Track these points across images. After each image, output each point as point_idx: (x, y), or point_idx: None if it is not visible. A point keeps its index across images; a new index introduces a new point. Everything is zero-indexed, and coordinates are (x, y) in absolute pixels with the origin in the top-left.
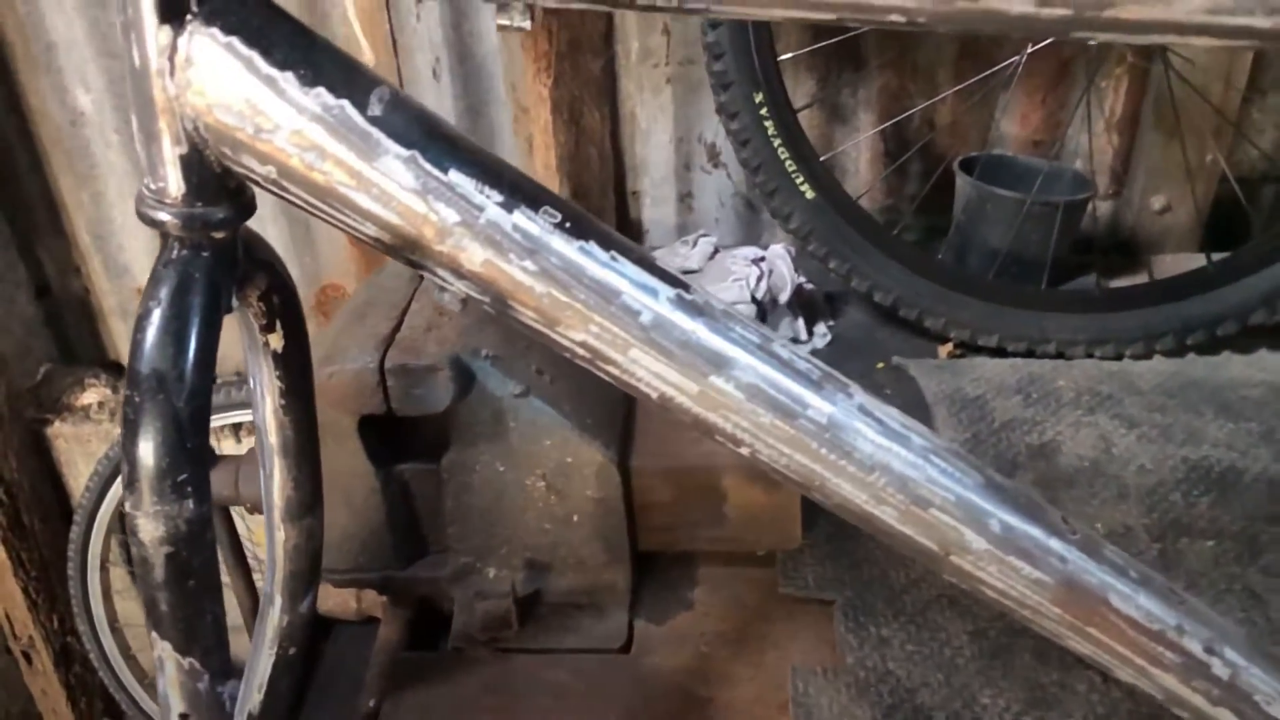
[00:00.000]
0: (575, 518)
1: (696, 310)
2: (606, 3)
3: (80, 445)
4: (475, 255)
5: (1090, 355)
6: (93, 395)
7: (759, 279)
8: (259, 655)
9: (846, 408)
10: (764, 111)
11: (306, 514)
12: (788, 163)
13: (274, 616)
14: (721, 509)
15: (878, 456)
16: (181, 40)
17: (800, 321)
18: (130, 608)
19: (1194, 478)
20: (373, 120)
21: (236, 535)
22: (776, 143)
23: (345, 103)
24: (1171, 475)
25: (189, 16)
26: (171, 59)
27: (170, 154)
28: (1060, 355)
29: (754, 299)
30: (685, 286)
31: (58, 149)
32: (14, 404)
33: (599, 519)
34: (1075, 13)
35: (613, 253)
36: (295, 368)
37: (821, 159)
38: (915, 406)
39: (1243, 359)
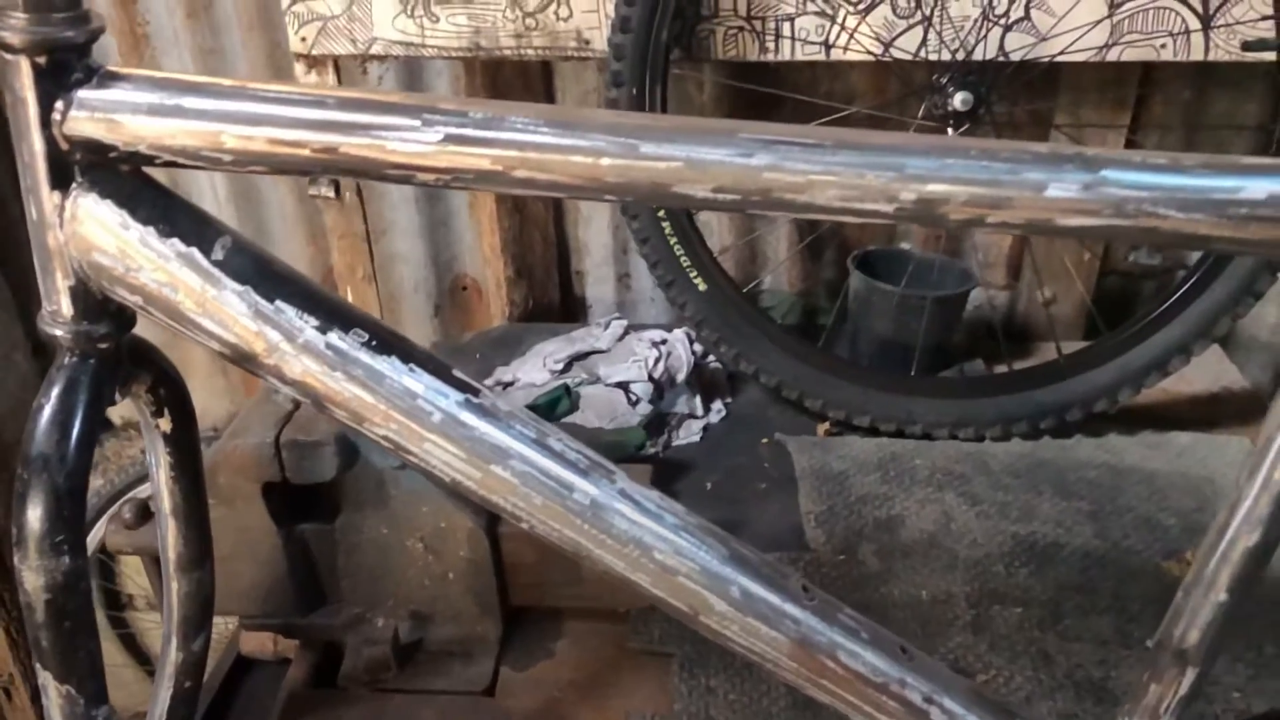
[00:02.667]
0: (451, 575)
1: (481, 411)
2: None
3: None
4: (296, 368)
5: (954, 437)
6: None
7: (657, 360)
8: (159, 689)
9: (609, 491)
10: (660, 214)
11: (196, 567)
12: (682, 258)
13: (171, 655)
14: (579, 571)
15: (633, 532)
16: (68, 202)
17: (697, 399)
18: (105, 648)
19: (1018, 551)
20: (215, 263)
21: None
22: (673, 241)
23: (195, 250)
24: (999, 549)
25: (74, 184)
26: (61, 215)
27: (62, 285)
28: (927, 436)
29: (651, 378)
30: (474, 391)
31: None
32: (5, 456)
33: (471, 577)
34: (743, 196)
35: (411, 365)
36: (183, 445)
37: (715, 255)
38: (788, 479)
39: (1092, 442)
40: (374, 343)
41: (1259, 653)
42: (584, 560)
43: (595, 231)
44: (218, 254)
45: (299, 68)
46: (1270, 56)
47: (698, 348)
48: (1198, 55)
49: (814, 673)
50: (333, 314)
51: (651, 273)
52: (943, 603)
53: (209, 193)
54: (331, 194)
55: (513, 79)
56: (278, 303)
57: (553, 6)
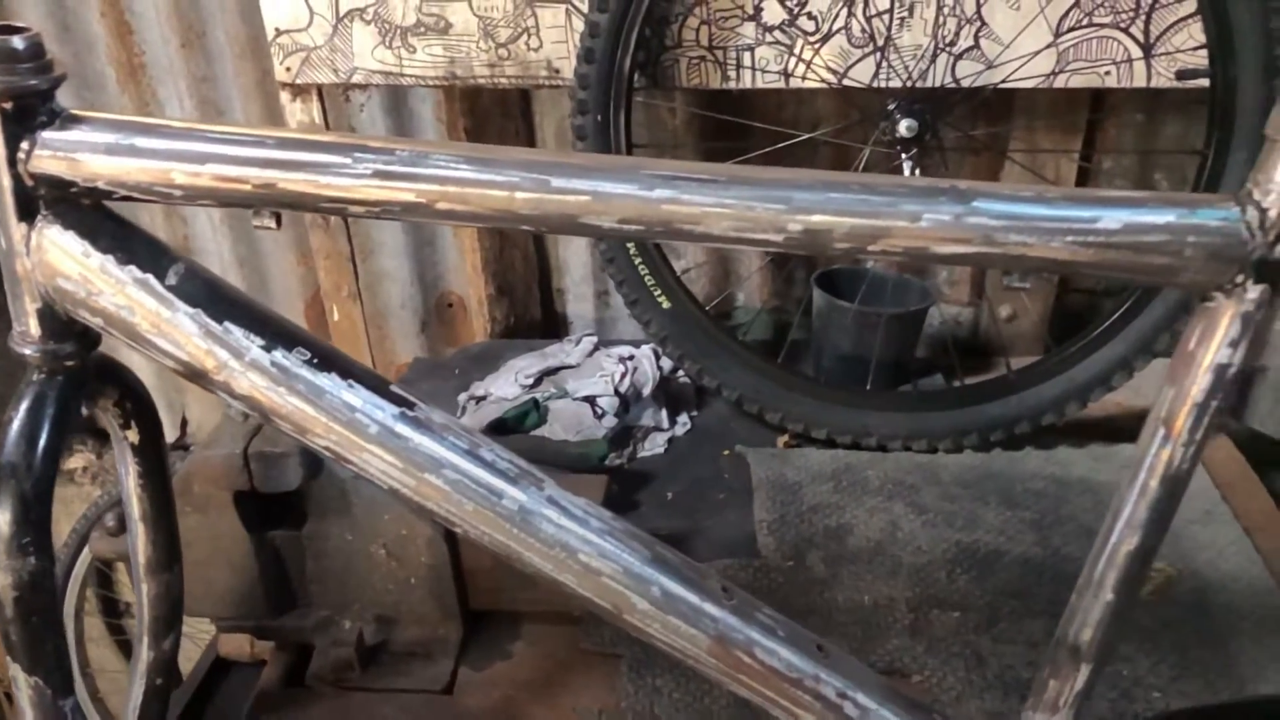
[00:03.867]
0: (413, 580)
1: (416, 423)
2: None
3: (63, 506)
4: (243, 383)
5: (908, 449)
6: (79, 460)
7: (623, 375)
8: (133, 687)
9: (536, 498)
10: None
11: (164, 570)
12: (646, 278)
13: (143, 654)
14: (534, 576)
15: (559, 536)
16: (34, 233)
17: (663, 412)
18: (103, 654)
19: (961, 558)
20: (169, 288)
21: None
22: (637, 261)
23: (150, 275)
24: (942, 556)
25: (39, 217)
26: (27, 245)
27: (29, 308)
28: (881, 448)
29: (617, 392)
30: (410, 405)
31: None
32: None
33: (432, 582)
34: (646, 227)
35: (350, 381)
36: (150, 455)
37: (679, 274)
38: (746, 490)
39: (1042, 454)
40: (315, 360)
41: (1183, 655)
42: (514, 563)
43: (575, 250)
44: (171, 279)
45: (284, 96)
46: (1205, 83)
47: (665, 363)
48: (1140, 82)
49: (732, 668)
50: (278, 334)
51: (618, 291)
52: (884, 607)
53: (203, 216)
54: (273, 224)
55: (491, 106)
56: (226, 324)
57: (524, 38)
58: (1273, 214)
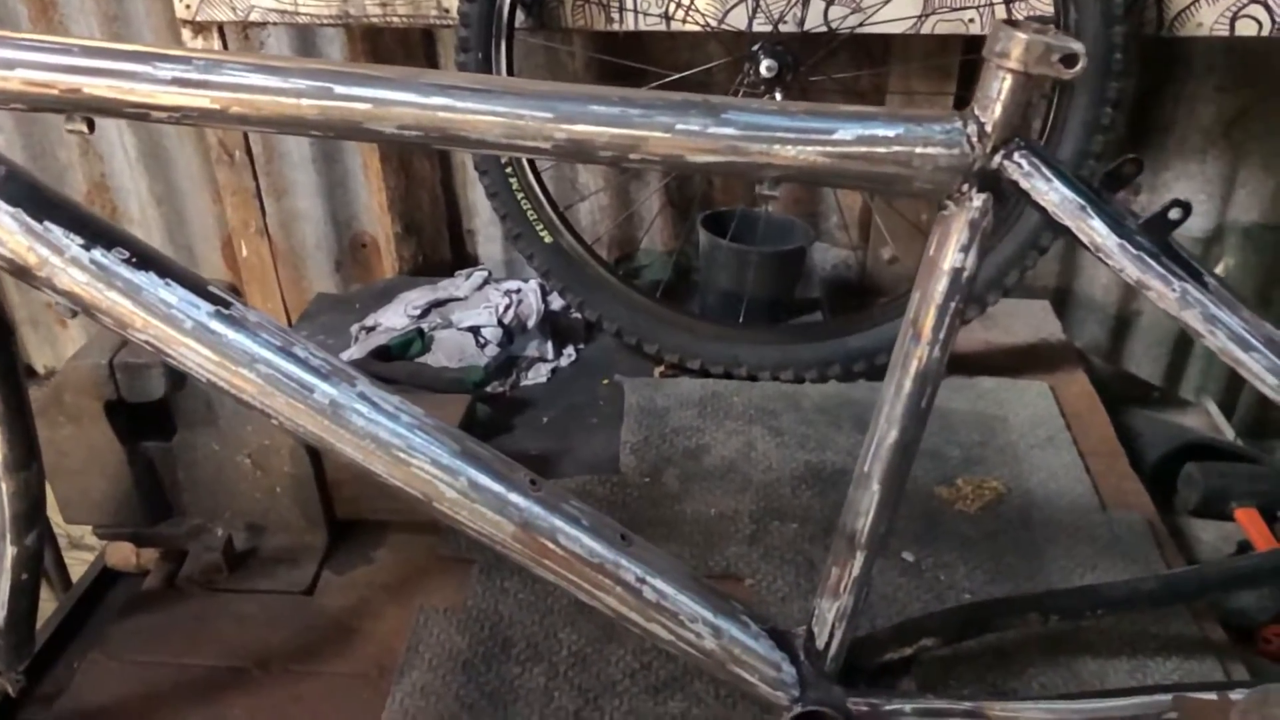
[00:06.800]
0: (278, 489)
1: (231, 321)
2: None
3: None
4: (64, 280)
5: (776, 379)
6: None
7: (508, 307)
8: (0, 581)
9: (348, 393)
10: (508, 170)
11: (22, 468)
12: (529, 213)
13: (7, 550)
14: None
15: (369, 429)
16: None
17: (549, 344)
18: None
19: (807, 476)
20: None
21: None
22: (520, 196)
23: None
24: (790, 474)
25: None
26: None
27: None
28: (752, 378)
29: (501, 323)
30: (226, 304)
31: None
32: None
33: (296, 491)
34: (424, 133)
35: (167, 280)
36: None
37: (562, 210)
38: (619, 415)
39: None
40: (134, 259)
41: (998, 563)
42: (329, 454)
43: (483, 192)
44: None
45: (186, 33)
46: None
47: (557, 299)
48: None
49: (536, 553)
50: (97, 233)
51: (502, 225)
52: (729, 519)
53: (120, 154)
54: (85, 129)
55: (394, 45)
56: (46, 223)
57: None
58: (989, 127)
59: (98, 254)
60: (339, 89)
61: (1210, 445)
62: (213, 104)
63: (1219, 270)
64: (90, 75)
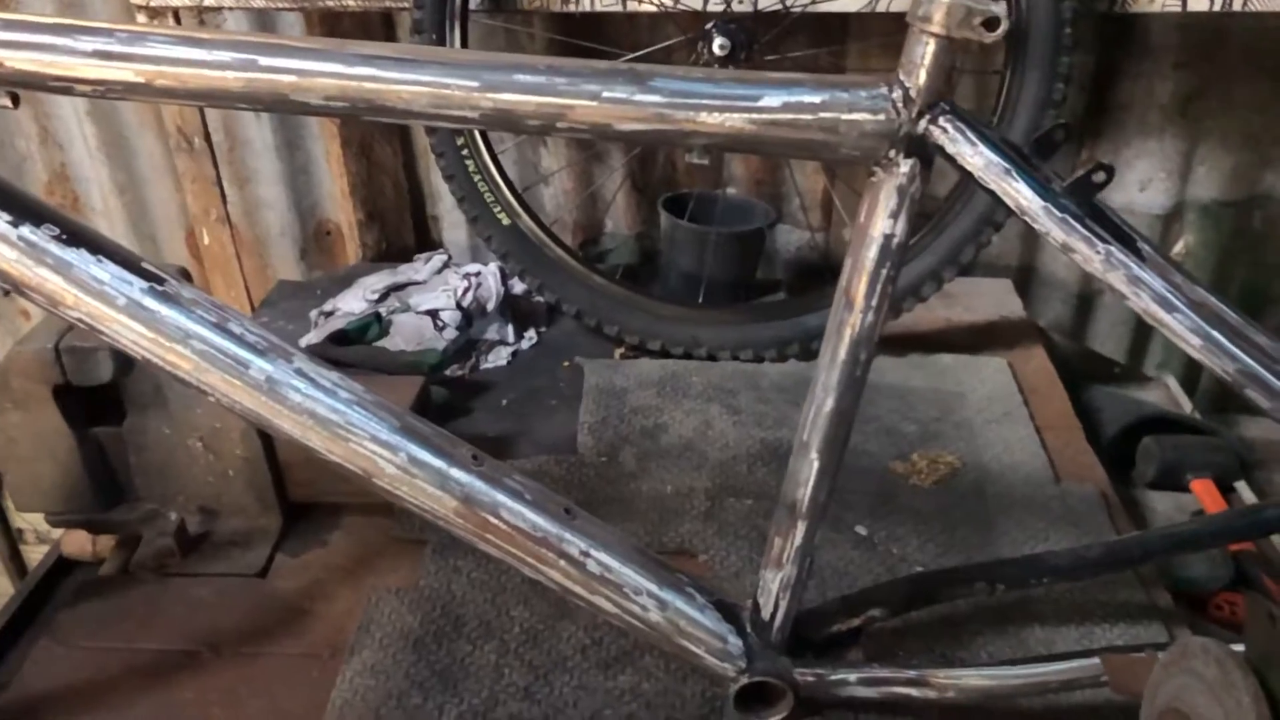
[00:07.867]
0: (231, 473)
1: (165, 298)
2: None
3: None
4: None
5: (735, 359)
6: None
7: (466, 290)
8: None
9: (284, 370)
10: (464, 153)
11: None
12: (486, 194)
13: None
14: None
15: (306, 405)
16: None
17: (509, 327)
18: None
19: (763, 453)
20: None
21: None
22: (476, 178)
23: None
24: (746, 451)
25: None
26: None
27: None
28: (711, 358)
29: (459, 306)
30: (160, 280)
31: None
32: None
33: (249, 474)
34: (351, 104)
35: (99, 256)
36: None
37: (520, 191)
38: (578, 397)
39: None
40: (64, 236)
41: (951, 535)
42: (265, 429)
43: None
44: None
45: (141, 19)
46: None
47: (518, 283)
48: None
49: (479, 528)
50: (26, 210)
51: (459, 207)
52: (684, 496)
53: (80, 143)
54: (9, 104)
55: (353, 29)
56: None
57: None
58: (914, 92)
59: (26, 230)
60: (264, 60)
61: (1168, 419)
62: (137, 77)
63: (1179, 247)
64: (12, 49)
